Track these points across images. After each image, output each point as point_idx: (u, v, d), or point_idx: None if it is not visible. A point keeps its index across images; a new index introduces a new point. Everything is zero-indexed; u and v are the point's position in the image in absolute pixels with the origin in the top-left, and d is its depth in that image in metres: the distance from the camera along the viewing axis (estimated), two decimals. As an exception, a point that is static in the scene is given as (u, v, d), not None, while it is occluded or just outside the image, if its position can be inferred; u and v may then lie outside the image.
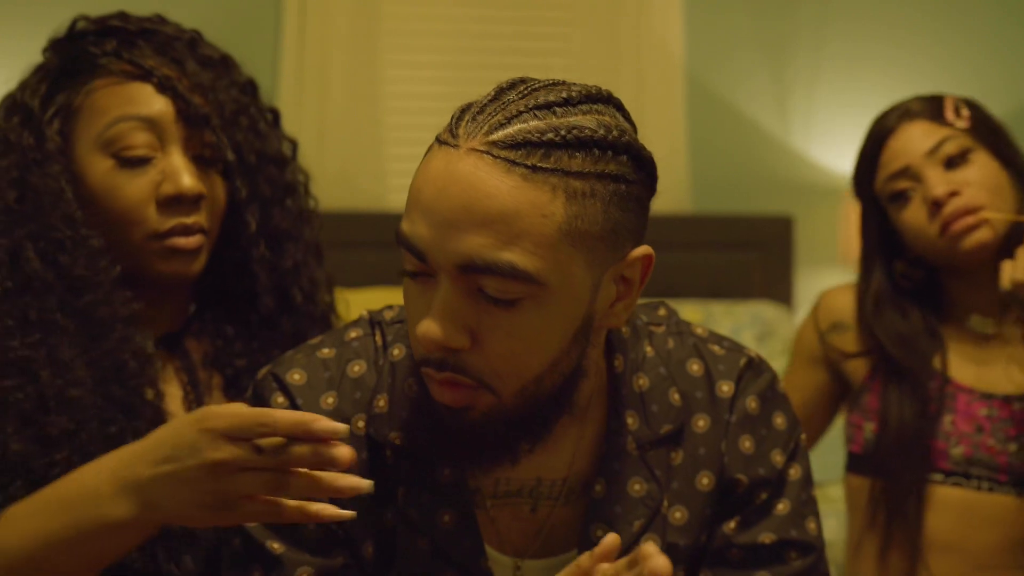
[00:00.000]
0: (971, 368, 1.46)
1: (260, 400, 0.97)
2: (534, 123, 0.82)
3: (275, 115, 1.23)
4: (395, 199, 3.29)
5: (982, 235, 1.40)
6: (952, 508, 1.41)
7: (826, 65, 3.57)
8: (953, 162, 1.42)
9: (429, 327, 0.82)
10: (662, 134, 3.28)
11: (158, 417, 1.08)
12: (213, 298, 1.20)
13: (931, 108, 1.45)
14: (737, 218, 3.43)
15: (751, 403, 1.00)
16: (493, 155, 0.81)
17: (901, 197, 1.44)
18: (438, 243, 0.82)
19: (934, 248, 1.43)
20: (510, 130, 0.81)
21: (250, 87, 1.20)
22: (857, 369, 1.51)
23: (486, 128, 0.82)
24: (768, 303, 3.27)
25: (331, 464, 0.80)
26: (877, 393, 1.47)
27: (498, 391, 0.85)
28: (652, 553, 0.75)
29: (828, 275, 3.60)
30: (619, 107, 0.89)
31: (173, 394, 1.14)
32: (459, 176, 0.81)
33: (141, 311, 1.10)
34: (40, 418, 1.03)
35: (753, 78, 3.53)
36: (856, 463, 1.51)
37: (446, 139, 0.84)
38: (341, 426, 0.80)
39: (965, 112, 1.44)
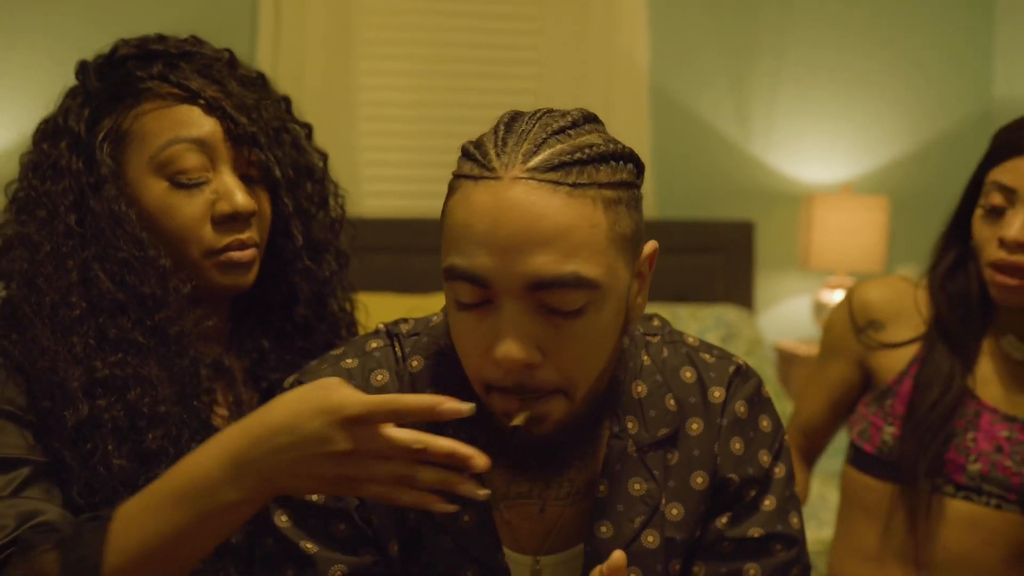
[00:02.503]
0: (998, 388, 1.46)
1: None
2: (559, 146, 0.90)
3: (308, 129, 1.26)
4: (369, 204, 3.34)
5: (1016, 299, 1.40)
6: (960, 522, 1.43)
7: (785, 75, 3.68)
8: None
9: (508, 349, 0.88)
10: (629, 142, 3.27)
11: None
12: (249, 311, 1.23)
13: None
14: (700, 223, 3.52)
15: (740, 407, 1.08)
16: (537, 180, 0.88)
17: (990, 204, 1.40)
18: (503, 268, 0.87)
19: (981, 269, 1.43)
20: (543, 155, 0.89)
21: (286, 103, 1.24)
22: (889, 366, 1.50)
23: (520, 157, 0.88)
24: (731, 306, 3.36)
25: (466, 467, 0.84)
26: (902, 398, 1.47)
27: (572, 395, 0.93)
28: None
29: (788, 278, 3.71)
30: (601, 123, 0.99)
31: (219, 413, 1.17)
32: (512, 204, 0.87)
33: (214, 328, 1.13)
34: (134, 435, 1.06)
35: (715, 88, 3.63)
36: (866, 462, 1.51)
37: (481, 173, 0.89)
38: (467, 406, 0.84)
39: None
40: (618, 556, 0.83)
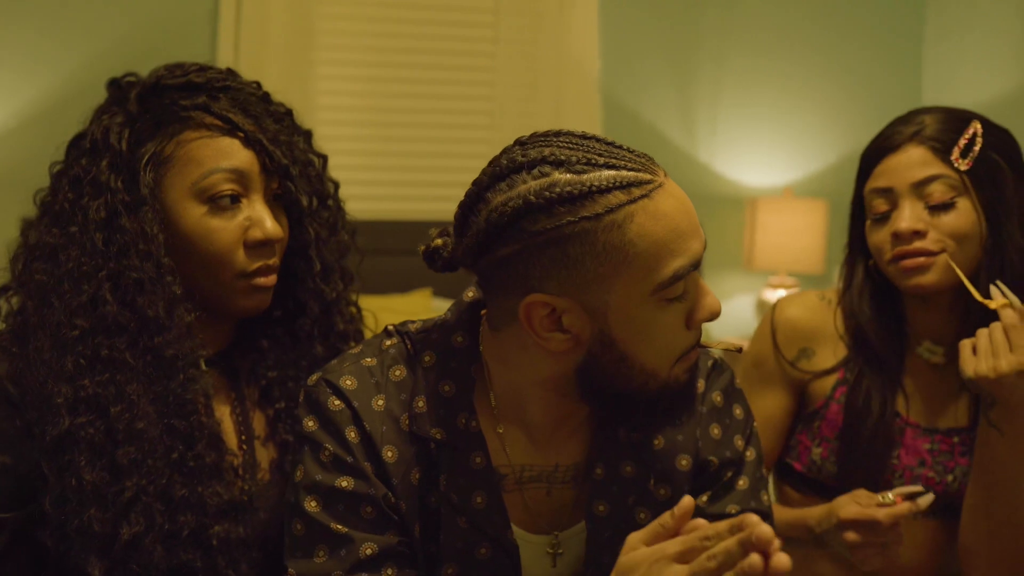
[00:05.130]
0: (919, 402, 1.47)
1: (315, 404, 1.10)
2: None
3: (324, 159, 1.34)
4: (327, 207, 3.41)
5: (925, 278, 1.39)
6: None
7: (727, 82, 3.83)
8: (934, 203, 1.39)
9: (717, 300, 1.05)
10: (581, 147, 3.47)
11: (214, 439, 1.19)
12: (253, 319, 1.28)
13: (943, 136, 1.40)
14: (649, 225, 3.64)
15: (717, 397, 1.19)
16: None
17: (877, 212, 1.43)
18: (701, 243, 1.03)
19: (886, 271, 1.44)
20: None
21: (309, 136, 1.32)
22: (817, 390, 1.51)
23: (654, 163, 1.02)
24: (679, 305, 3.49)
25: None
26: (830, 422, 1.49)
27: None
28: (756, 521, 0.84)
29: (732, 278, 3.87)
30: None
31: (223, 409, 1.24)
32: (682, 194, 1.03)
33: (207, 356, 1.20)
34: (110, 450, 1.12)
35: (662, 96, 3.77)
36: (794, 478, 1.53)
37: (647, 190, 0.99)
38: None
39: (974, 151, 1.39)
40: (688, 501, 0.91)
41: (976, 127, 1.41)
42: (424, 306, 3.08)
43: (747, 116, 3.85)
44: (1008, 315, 1.30)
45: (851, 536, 1.31)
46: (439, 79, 3.54)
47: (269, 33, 3.29)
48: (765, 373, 1.54)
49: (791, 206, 3.67)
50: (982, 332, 1.31)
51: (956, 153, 1.39)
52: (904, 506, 1.30)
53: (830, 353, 1.51)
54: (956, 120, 1.42)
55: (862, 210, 1.47)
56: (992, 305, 1.33)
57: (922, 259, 1.39)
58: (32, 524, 1.15)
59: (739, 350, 1.12)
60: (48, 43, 3.16)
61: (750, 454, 1.20)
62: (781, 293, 3.70)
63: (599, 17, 3.58)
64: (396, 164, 3.53)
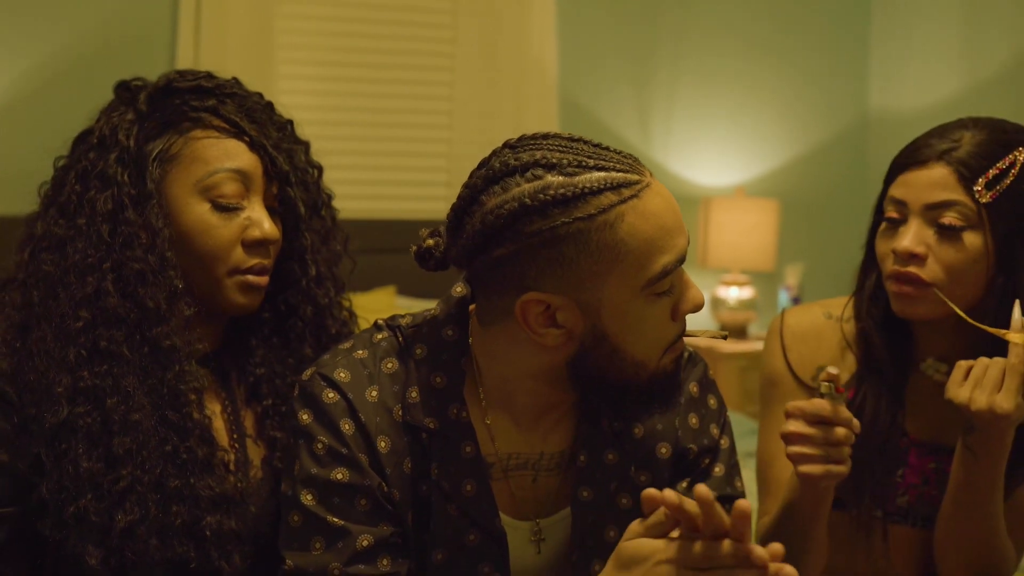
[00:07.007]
0: (924, 420, 1.43)
1: (309, 397, 1.13)
2: None
3: (320, 170, 1.37)
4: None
5: (914, 309, 1.36)
6: (885, 541, 1.44)
7: (682, 83, 3.91)
8: (944, 230, 1.32)
9: (702, 295, 1.12)
10: (540, 147, 3.53)
11: (205, 434, 1.21)
12: (243, 320, 1.31)
13: (974, 162, 1.31)
14: (605, 224, 3.71)
15: (693, 388, 1.25)
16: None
17: (889, 219, 1.38)
18: (687, 240, 1.08)
19: (884, 284, 1.40)
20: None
21: (307, 147, 1.35)
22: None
23: (640, 164, 1.07)
24: (636, 302, 3.56)
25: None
26: None
27: None
28: (780, 552, 0.90)
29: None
30: None
31: (213, 408, 1.26)
32: (668, 193, 1.08)
33: (204, 350, 1.23)
34: (106, 440, 1.15)
35: (618, 97, 3.84)
36: None
37: (636, 191, 1.04)
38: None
39: (1004, 183, 1.31)
40: (703, 489, 0.93)
41: (1016, 157, 1.31)
42: (388, 303, 3.11)
43: (701, 117, 3.93)
44: (1017, 354, 1.25)
45: (790, 426, 1.21)
46: (398, 79, 3.57)
47: (229, 31, 3.29)
48: (784, 392, 1.48)
49: (743, 205, 3.76)
50: (982, 361, 1.26)
51: (981, 183, 1.31)
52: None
53: (844, 370, 1.45)
54: (997, 145, 1.32)
55: (881, 214, 1.41)
56: (1012, 337, 1.26)
57: (911, 289, 1.34)
58: (31, 518, 1.17)
59: (724, 337, 1.17)
60: (5, 38, 3.13)
61: (724, 442, 1.26)
62: (734, 291, 3.78)
63: (557, 18, 3.64)
64: (356, 163, 3.55)
